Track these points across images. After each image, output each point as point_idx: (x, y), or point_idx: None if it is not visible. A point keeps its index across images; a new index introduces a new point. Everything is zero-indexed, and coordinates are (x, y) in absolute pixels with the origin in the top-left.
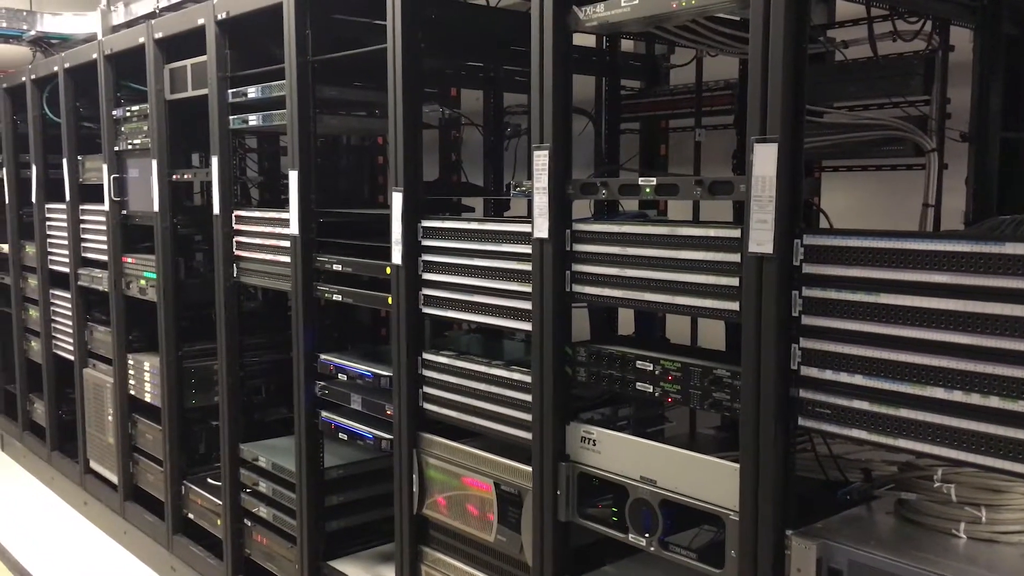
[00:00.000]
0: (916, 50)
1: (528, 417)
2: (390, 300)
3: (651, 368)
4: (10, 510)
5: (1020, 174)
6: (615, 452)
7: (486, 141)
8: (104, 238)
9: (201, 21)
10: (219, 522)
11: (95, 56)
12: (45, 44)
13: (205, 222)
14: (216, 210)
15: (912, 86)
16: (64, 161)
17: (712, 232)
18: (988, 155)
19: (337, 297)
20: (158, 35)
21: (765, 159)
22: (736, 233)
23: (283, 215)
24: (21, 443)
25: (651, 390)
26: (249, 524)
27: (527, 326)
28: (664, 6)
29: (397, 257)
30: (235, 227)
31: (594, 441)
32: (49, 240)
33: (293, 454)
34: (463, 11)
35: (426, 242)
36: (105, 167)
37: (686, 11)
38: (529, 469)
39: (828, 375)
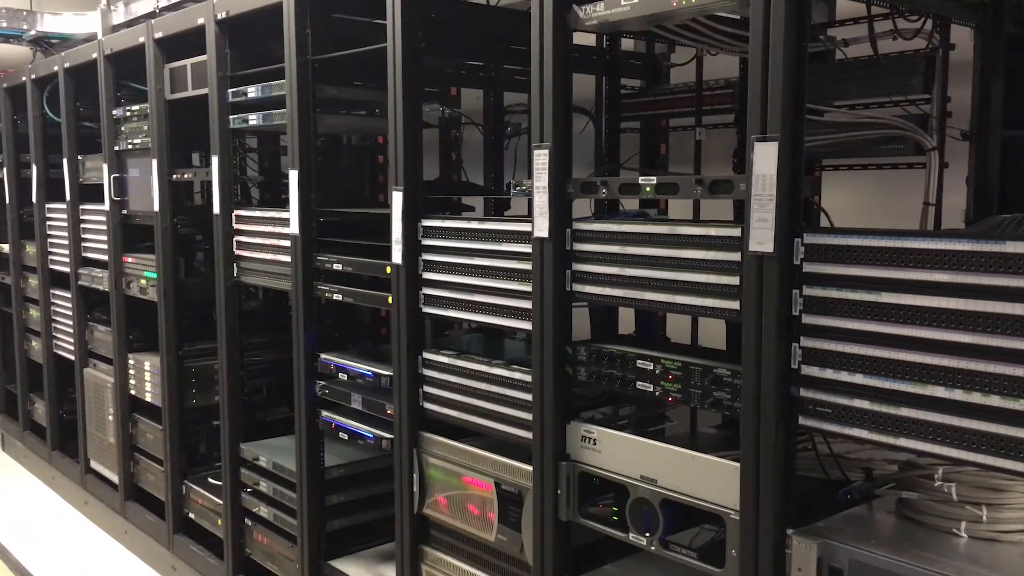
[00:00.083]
0: (917, 49)
1: (529, 416)
2: (390, 299)
3: (652, 367)
4: (11, 510)
5: (1021, 173)
6: (616, 451)
7: (486, 140)
8: (104, 238)
9: (201, 20)
10: (220, 522)
11: (95, 56)
12: (45, 44)
13: (205, 222)
14: (216, 210)
15: (913, 85)
16: (64, 161)
17: (712, 231)
18: (989, 154)
19: (337, 296)
20: (158, 35)
21: (765, 158)
22: (736, 232)
23: (283, 214)
24: (22, 443)
25: (652, 389)
26: (250, 523)
27: (527, 325)
28: (664, 5)
29: (397, 256)
30: (235, 227)
31: (595, 440)
32: (49, 240)
33: (294, 454)
34: (463, 10)
35: (426, 241)
36: (105, 167)
37: (686, 10)
38: (530, 468)
39: (829, 374)
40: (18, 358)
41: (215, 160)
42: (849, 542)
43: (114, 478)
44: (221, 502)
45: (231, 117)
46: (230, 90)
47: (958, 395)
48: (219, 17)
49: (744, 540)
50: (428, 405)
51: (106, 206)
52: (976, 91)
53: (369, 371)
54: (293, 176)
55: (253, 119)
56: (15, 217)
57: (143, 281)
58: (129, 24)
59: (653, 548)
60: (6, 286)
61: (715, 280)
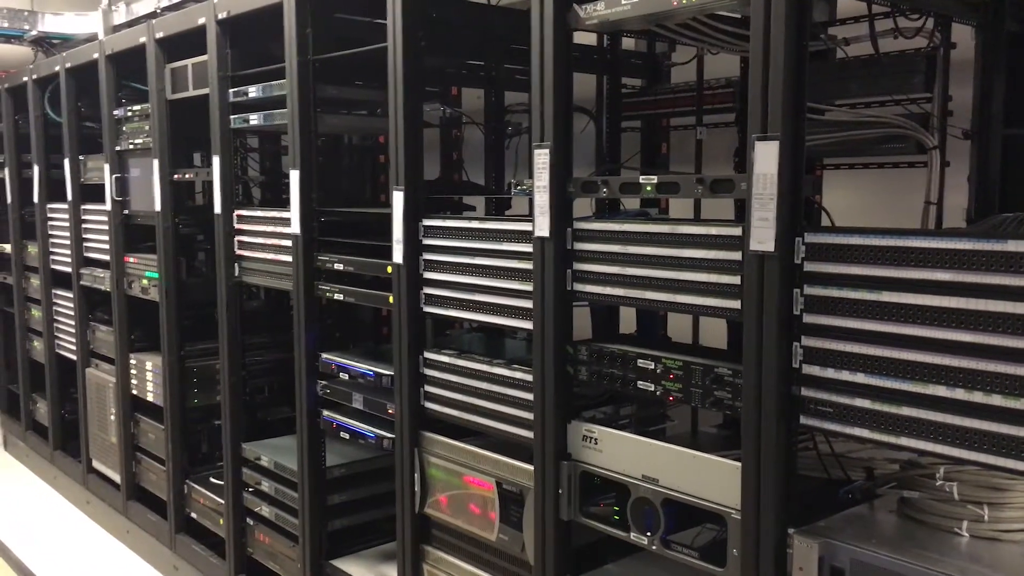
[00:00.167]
0: (918, 47)
1: (530, 416)
2: (391, 299)
3: (653, 367)
4: (13, 509)
5: (1022, 171)
6: (617, 451)
7: (487, 140)
8: (106, 238)
9: (202, 21)
10: (221, 521)
11: (96, 56)
12: (46, 44)
13: (207, 221)
14: (218, 209)
15: (914, 83)
16: (66, 161)
17: (713, 230)
18: (990, 152)
19: (339, 296)
20: (159, 35)
21: (766, 157)
22: (737, 231)
23: (284, 214)
24: (24, 442)
25: (653, 389)
26: (251, 523)
27: (528, 325)
28: (664, 4)
29: (398, 256)
30: (237, 226)
31: (596, 440)
32: (51, 240)
33: (295, 453)
34: (464, 10)
35: (427, 241)
36: (107, 167)
37: (687, 9)
38: (531, 468)
39: (830, 373)
40: (20, 358)
41: (216, 160)
42: (850, 541)
43: (116, 478)
44: (223, 502)
45: (232, 117)
46: (231, 90)
47: (959, 394)
48: (220, 17)
49: (745, 539)
50: (429, 405)
51: (107, 206)
52: (977, 90)
53: (370, 371)
54: (294, 176)
55: (254, 119)
56: (17, 217)
57: (145, 281)
58: (130, 24)
59: (654, 548)
60: (8, 286)
61: (716, 279)
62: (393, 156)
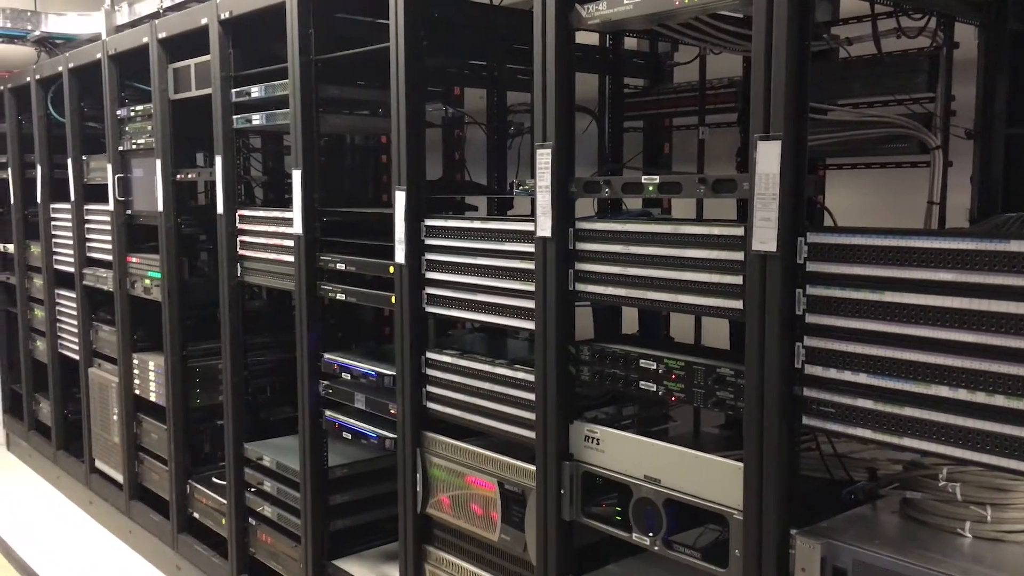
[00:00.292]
0: (920, 47)
1: (532, 416)
2: (393, 299)
3: (655, 367)
4: (16, 509)
5: None
6: (619, 451)
7: (489, 140)
8: (109, 238)
9: (204, 21)
10: (224, 521)
11: (99, 56)
12: (49, 44)
13: (209, 222)
14: (220, 209)
15: (916, 83)
16: (69, 161)
17: (716, 230)
18: (993, 152)
19: (341, 296)
20: (162, 35)
21: (768, 157)
22: (739, 231)
23: (287, 214)
24: (27, 442)
25: (655, 389)
26: (254, 523)
27: (530, 325)
28: (666, 4)
29: (400, 256)
30: (239, 227)
31: (598, 440)
32: (54, 240)
33: (297, 453)
34: (466, 10)
35: (429, 241)
36: (110, 167)
37: (689, 9)
38: (533, 468)
39: (832, 374)
40: (23, 358)
41: (219, 160)
42: (853, 542)
43: (119, 478)
44: (225, 502)
45: (234, 117)
46: (233, 90)
47: (962, 395)
48: (222, 17)
49: (748, 540)
50: (431, 405)
51: (110, 206)
52: (980, 89)
53: (372, 371)
54: (296, 176)
55: (256, 119)
56: (20, 217)
57: (147, 281)
58: (133, 24)
59: (656, 548)
60: (11, 286)
61: (718, 279)
62: (395, 156)
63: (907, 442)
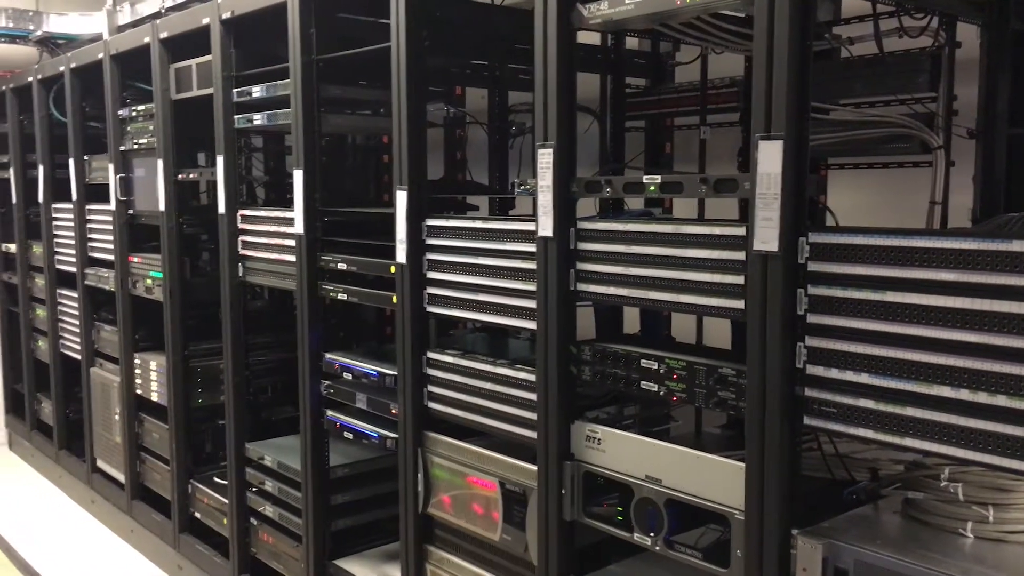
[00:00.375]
0: (922, 47)
1: (533, 416)
2: (395, 299)
3: (656, 367)
4: (18, 508)
5: None
6: (620, 451)
7: (491, 139)
8: (110, 238)
9: (206, 21)
10: (225, 521)
11: (101, 56)
12: (51, 44)
13: (211, 221)
14: (221, 209)
15: (919, 83)
16: (71, 161)
17: (717, 230)
18: (995, 152)
19: (342, 296)
20: (163, 35)
21: (770, 157)
22: (741, 231)
23: (288, 214)
24: (29, 442)
25: (656, 389)
26: (255, 523)
27: (532, 325)
28: (668, 3)
29: (402, 256)
30: (240, 226)
31: (599, 440)
32: (56, 240)
33: (299, 453)
34: (467, 9)
35: (431, 241)
36: (111, 167)
37: (690, 8)
38: (534, 468)
39: (834, 374)
40: (25, 358)
41: (220, 160)
42: (854, 542)
43: (120, 477)
44: (227, 501)
45: (236, 117)
46: (235, 90)
47: (964, 395)
48: (224, 17)
49: (749, 540)
50: (432, 405)
51: (112, 206)
52: (982, 89)
53: (374, 371)
54: (298, 176)
55: (258, 119)
56: (22, 217)
57: (149, 281)
58: (135, 24)
59: (658, 548)
60: (13, 286)
61: (720, 279)
62: (397, 156)
63: (909, 442)
